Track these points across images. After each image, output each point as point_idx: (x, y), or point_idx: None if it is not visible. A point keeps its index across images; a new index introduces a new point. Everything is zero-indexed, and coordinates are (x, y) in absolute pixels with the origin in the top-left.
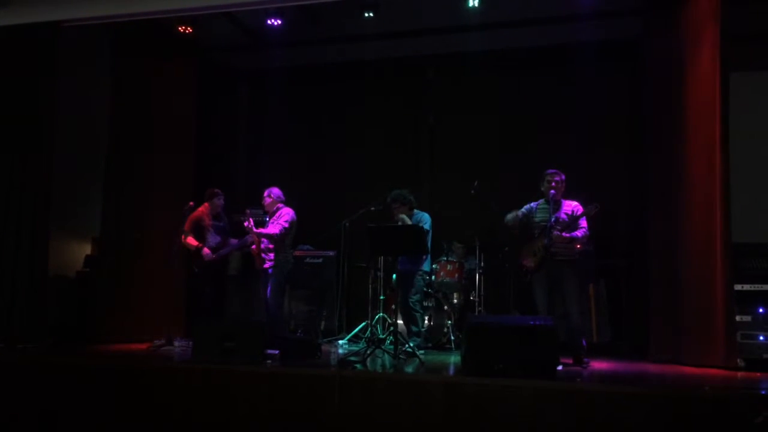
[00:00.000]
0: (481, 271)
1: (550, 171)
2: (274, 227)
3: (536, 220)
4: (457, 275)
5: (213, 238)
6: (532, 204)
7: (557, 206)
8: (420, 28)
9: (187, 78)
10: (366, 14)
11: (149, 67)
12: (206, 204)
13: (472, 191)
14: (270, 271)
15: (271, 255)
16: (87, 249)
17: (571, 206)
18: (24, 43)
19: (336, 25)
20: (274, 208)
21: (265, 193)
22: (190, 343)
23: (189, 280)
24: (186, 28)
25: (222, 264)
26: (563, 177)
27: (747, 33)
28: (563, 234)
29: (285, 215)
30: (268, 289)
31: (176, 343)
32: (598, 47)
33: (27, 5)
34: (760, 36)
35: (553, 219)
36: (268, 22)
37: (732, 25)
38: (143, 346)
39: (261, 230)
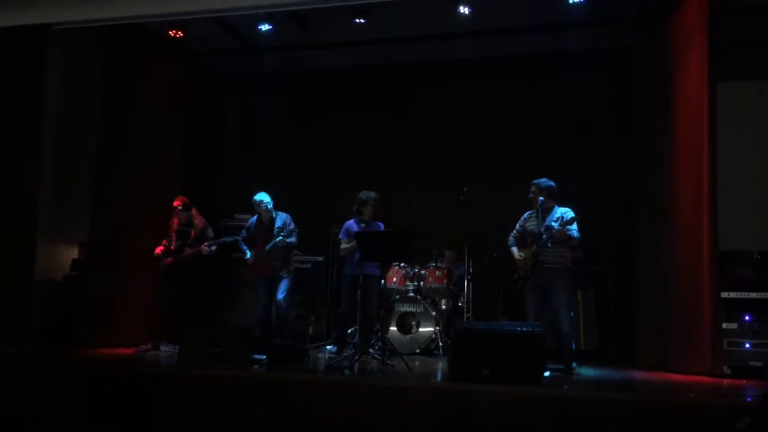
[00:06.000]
0: (469, 277)
1: (534, 181)
2: (293, 237)
3: (528, 228)
4: (445, 281)
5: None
6: (524, 215)
7: (546, 214)
8: (411, 36)
9: (177, 81)
10: (356, 20)
11: (139, 70)
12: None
13: (461, 197)
14: (284, 275)
15: (284, 262)
16: (74, 253)
17: (561, 213)
18: (13, 46)
19: (326, 32)
20: (274, 214)
21: (263, 202)
22: (177, 348)
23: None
24: (176, 32)
25: (185, 268)
26: (551, 185)
27: (734, 43)
28: (563, 228)
29: (291, 223)
30: (281, 292)
31: (163, 348)
32: (587, 56)
33: (17, 7)
34: (746, 46)
35: (543, 228)
36: (259, 27)
37: (719, 35)
38: (130, 350)
39: (290, 241)
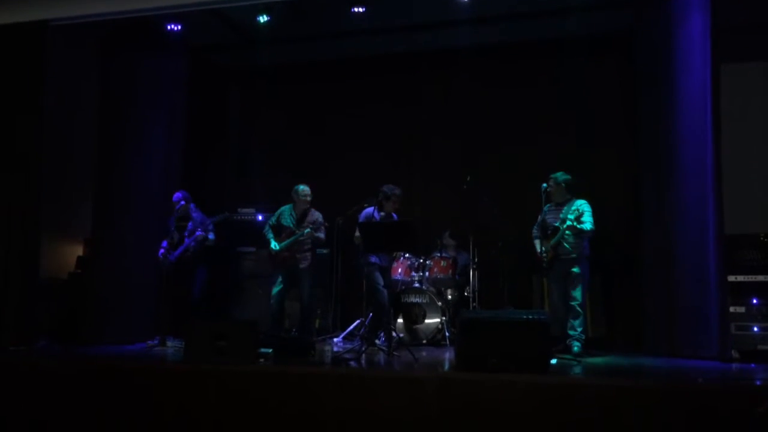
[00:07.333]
0: (475, 266)
1: (552, 175)
2: (323, 233)
3: (547, 221)
4: (450, 271)
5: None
6: (544, 208)
7: (563, 206)
8: (411, 24)
9: (177, 76)
10: (355, 9)
11: (138, 65)
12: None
13: (465, 186)
14: (307, 270)
15: (308, 255)
16: (79, 250)
17: (577, 206)
18: (11, 43)
19: (325, 22)
20: (308, 206)
21: (306, 192)
22: (183, 343)
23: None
24: (175, 26)
25: (184, 263)
26: (567, 178)
27: (737, 24)
28: (575, 225)
29: (323, 221)
30: (307, 290)
31: (169, 343)
32: (590, 40)
33: (14, 4)
34: (751, 27)
35: (558, 221)
36: (257, 18)
37: (722, 16)
38: (136, 346)
39: (318, 235)
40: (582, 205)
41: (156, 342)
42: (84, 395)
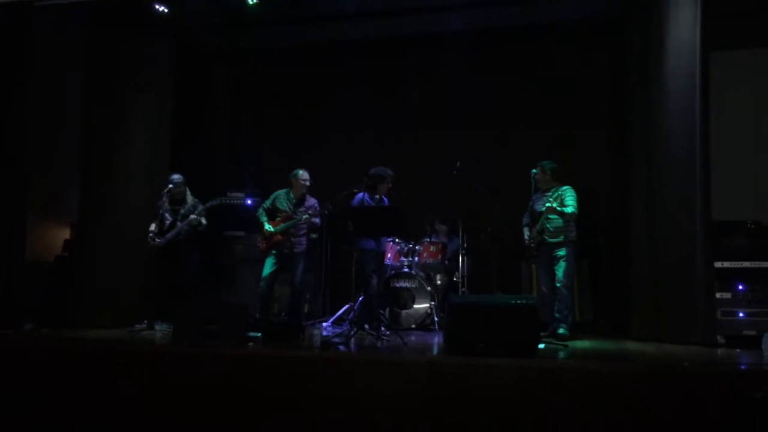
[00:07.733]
0: (464, 251)
1: (539, 163)
2: (318, 219)
3: (534, 208)
4: (440, 256)
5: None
6: (533, 196)
7: (545, 194)
8: (400, 8)
9: (165, 58)
10: None
11: (125, 49)
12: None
13: (455, 172)
14: (301, 255)
15: (303, 240)
16: (66, 233)
17: (560, 192)
18: None
19: (314, 5)
20: (306, 191)
21: (305, 177)
22: (172, 326)
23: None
24: (162, 7)
25: (176, 247)
26: (554, 166)
27: (728, 11)
28: (555, 208)
29: (319, 207)
30: (298, 275)
31: (158, 327)
32: (580, 26)
33: None
34: (740, 14)
35: (543, 207)
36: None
37: (713, 3)
38: (124, 330)
39: (315, 221)
40: (566, 190)
41: (144, 326)
42: (71, 378)
